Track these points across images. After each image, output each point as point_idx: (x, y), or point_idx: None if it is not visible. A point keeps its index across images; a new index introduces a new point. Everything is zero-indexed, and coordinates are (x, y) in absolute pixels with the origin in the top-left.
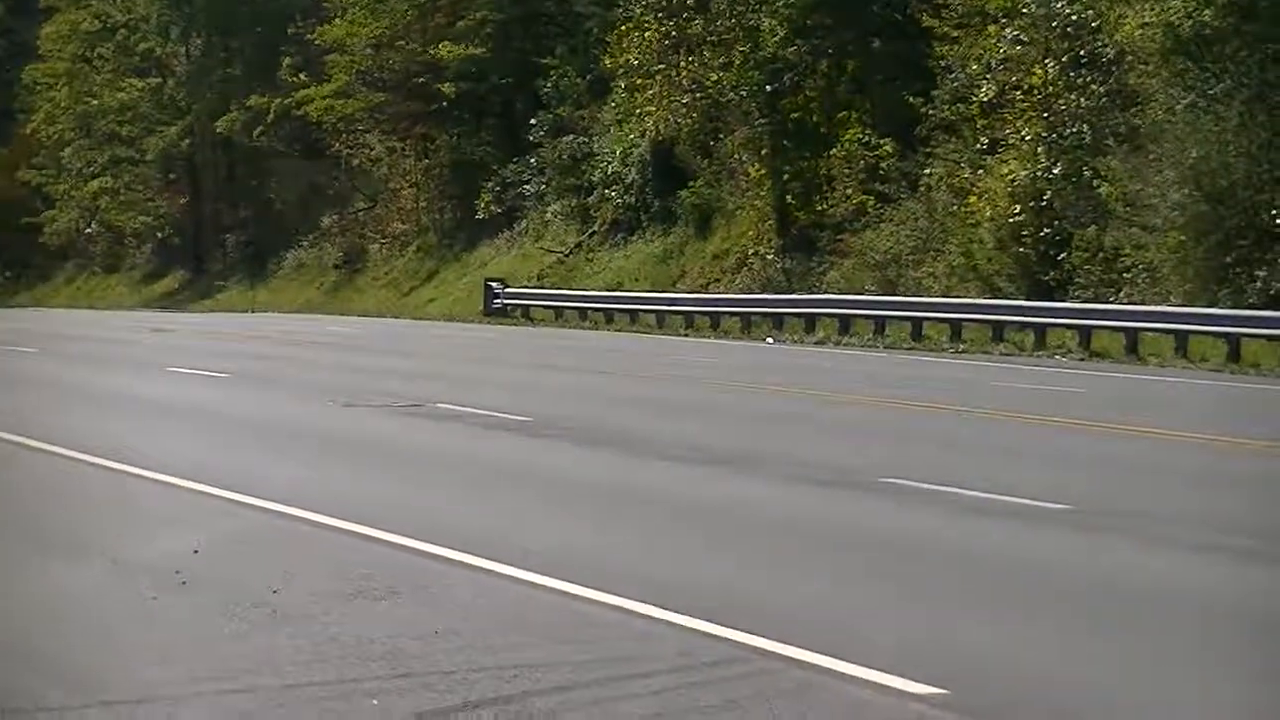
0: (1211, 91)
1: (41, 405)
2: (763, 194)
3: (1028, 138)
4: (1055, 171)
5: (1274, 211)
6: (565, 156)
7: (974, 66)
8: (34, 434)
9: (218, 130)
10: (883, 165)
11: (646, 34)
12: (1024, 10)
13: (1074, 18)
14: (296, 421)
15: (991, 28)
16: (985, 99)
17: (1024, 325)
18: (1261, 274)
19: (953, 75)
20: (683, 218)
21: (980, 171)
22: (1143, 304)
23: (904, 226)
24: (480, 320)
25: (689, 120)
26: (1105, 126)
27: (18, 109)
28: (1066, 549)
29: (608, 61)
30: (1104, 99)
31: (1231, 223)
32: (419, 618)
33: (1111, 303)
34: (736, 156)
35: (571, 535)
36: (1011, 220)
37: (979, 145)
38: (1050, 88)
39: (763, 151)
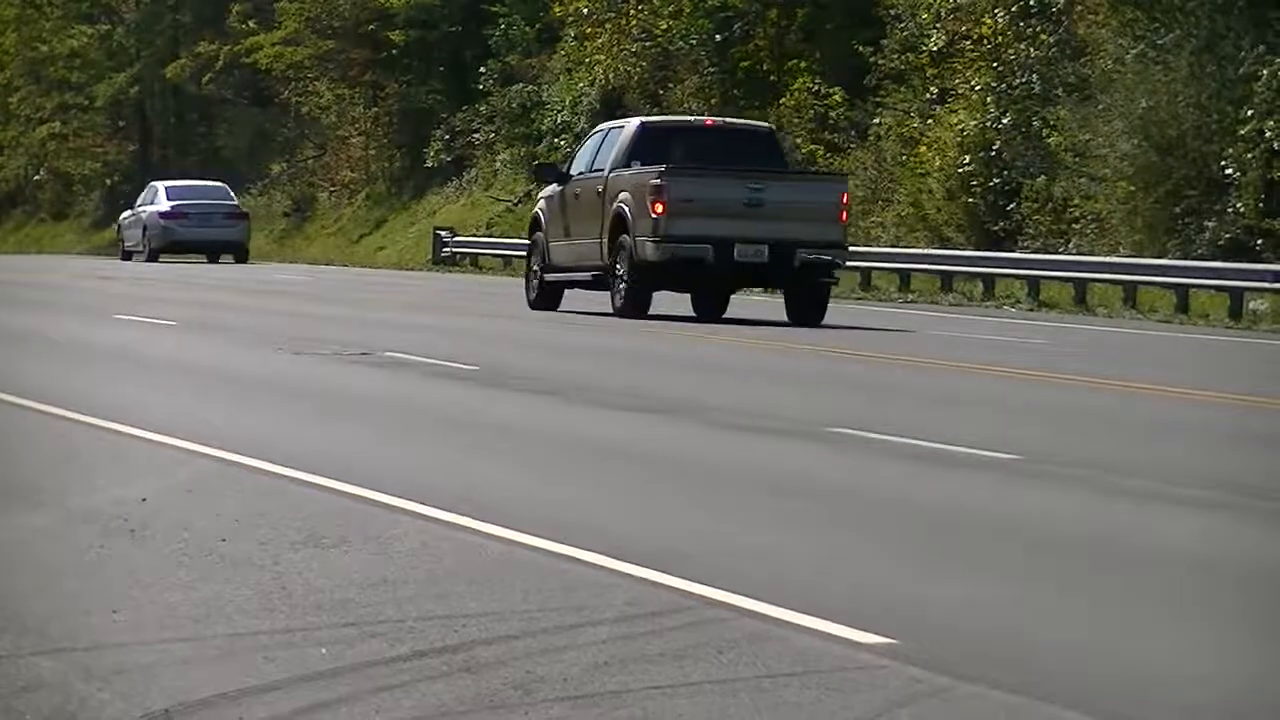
0: (1161, 41)
1: None
2: None
3: (977, 87)
4: (1004, 121)
5: (1223, 162)
6: (514, 105)
7: (924, 15)
8: None
9: (167, 77)
10: (832, 115)
11: None
12: None
13: None
14: (244, 369)
15: None
16: (935, 48)
17: (973, 275)
18: (1210, 225)
19: (902, 24)
20: None
21: (929, 121)
22: (1091, 254)
23: (853, 176)
24: (429, 269)
25: (638, 69)
26: (1054, 76)
27: None
28: (1016, 499)
29: (557, 9)
30: (1053, 49)
31: (1180, 173)
32: (368, 566)
33: (1060, 253)
34: (686, 106)
35: (520, 484)
36: (961, 170)
37: (928, 95)
38: (1000, 37)
39: (712, 100)
